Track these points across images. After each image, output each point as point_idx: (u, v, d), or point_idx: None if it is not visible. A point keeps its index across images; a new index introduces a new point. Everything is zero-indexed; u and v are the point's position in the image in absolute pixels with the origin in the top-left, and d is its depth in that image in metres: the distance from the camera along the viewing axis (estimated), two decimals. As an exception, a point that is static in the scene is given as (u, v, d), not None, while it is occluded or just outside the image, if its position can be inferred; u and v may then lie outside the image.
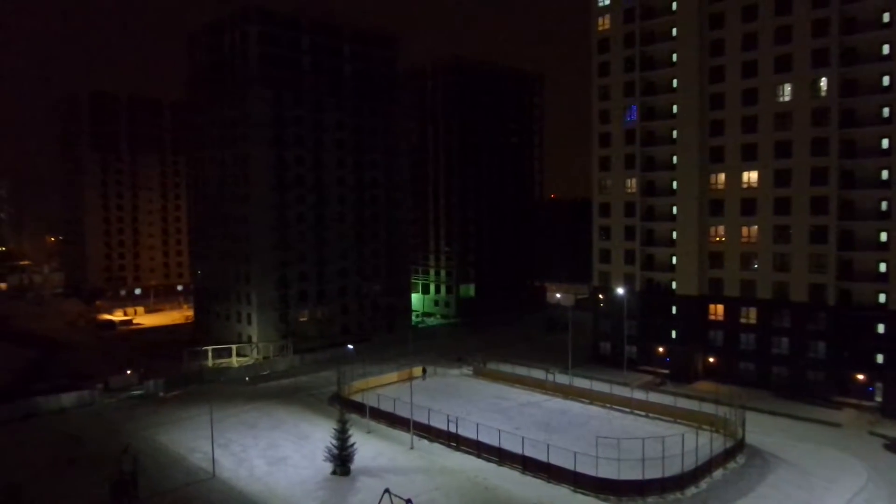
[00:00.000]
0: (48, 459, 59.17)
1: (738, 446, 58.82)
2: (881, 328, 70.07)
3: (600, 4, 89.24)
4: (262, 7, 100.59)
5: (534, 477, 54.59)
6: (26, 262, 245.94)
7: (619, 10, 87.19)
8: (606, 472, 51.78)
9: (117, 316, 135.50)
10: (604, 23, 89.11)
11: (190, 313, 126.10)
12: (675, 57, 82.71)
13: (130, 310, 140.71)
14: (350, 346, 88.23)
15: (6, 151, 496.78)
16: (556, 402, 75.20)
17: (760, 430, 63.48)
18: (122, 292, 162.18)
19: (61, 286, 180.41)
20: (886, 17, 68.96)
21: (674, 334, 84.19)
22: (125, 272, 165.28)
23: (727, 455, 56.95)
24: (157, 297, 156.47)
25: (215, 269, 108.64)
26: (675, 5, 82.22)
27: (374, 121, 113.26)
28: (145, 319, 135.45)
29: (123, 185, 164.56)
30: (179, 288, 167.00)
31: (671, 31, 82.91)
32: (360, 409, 69.34)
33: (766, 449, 59.77)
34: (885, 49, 69.40)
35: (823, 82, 72.52)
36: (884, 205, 70.00)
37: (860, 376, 71.33)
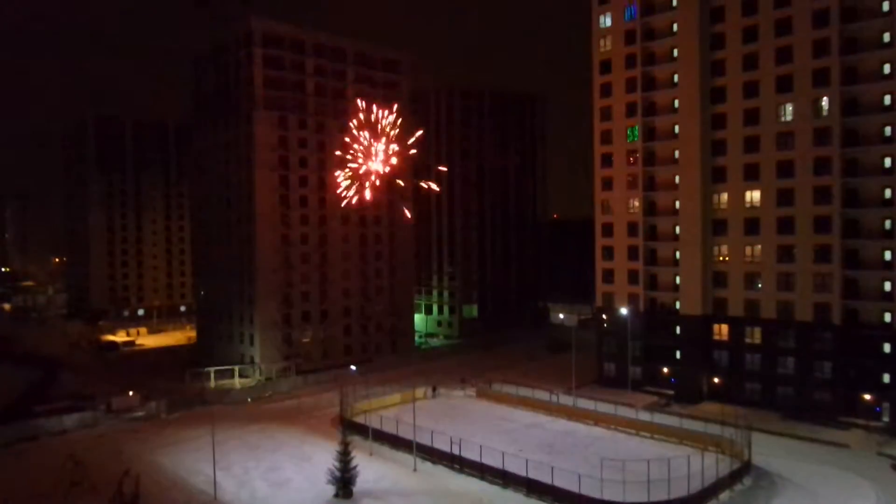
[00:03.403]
0: (50, 482, 58.67)
1: (745, 468, 58.21)
2: (887, 347, 69.54)
3: (602, 26, 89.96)
4: (266, 30, 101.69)
5: (538, 499, 53.98)
6: (30, 283, 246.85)
7: (621, 31, 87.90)
8: (611, 494, 51.17)
9: (120, 337, 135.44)
10: (605, 44, 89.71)
11: (192, 334, 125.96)
12: (676, 78, 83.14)
13: (133, 331, 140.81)
14: (353, 367, 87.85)
15: (12, 173, 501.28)
16: (561, 424, 74.63)
17: (767, 451, 62.77)
18: (125, 313, 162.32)
19: (65, 307, 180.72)
20: (887, 37, 69.39)
21: (678, 355, 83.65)
22: (128, 293, 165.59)
23: (733, 477, 56.34)
24: (160, 318, 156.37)
25: (218, 290, 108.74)
26: (675, 27, 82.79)
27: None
28: (148, 340, 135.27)
29: (127, 206, 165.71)
30: (182, 309, 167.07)
31: (672, 53, 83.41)
32: (362, 430, 68.80)
33: (773, 470, 59.13)
34: (887, 68, 69.73)
35: (825, 102, 72.77)
36: (888, 223, 69.90)
37: (867, 396, 70.65)
